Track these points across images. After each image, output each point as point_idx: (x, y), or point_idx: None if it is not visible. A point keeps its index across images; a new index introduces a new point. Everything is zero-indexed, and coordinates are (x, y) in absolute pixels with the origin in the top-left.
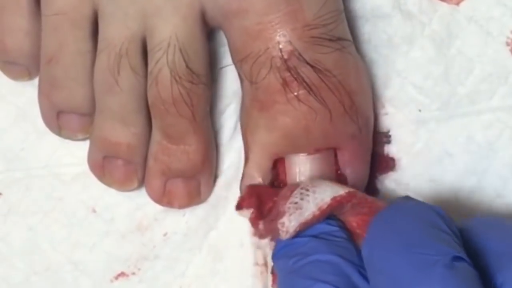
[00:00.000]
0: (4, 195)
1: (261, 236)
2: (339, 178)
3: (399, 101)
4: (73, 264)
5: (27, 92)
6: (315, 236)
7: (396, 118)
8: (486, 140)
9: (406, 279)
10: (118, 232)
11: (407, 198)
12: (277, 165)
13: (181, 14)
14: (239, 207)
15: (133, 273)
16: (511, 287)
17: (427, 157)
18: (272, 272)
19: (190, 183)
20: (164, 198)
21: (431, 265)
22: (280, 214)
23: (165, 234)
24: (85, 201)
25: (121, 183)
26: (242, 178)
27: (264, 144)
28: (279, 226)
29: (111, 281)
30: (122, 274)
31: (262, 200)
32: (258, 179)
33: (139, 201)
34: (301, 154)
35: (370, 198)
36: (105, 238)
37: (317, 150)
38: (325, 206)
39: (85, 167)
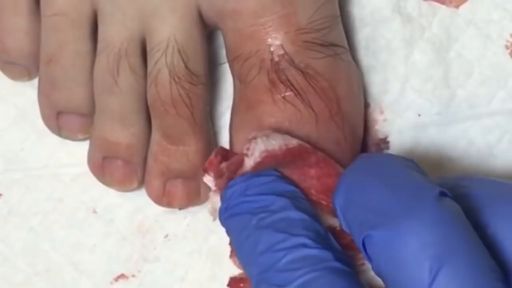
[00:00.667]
0: (4, 196)
1: (220, 182)
2: None
3: (398, 106)
4: (73, 265)
5: (27, 93)
6: (279, 195)
7: (395, 124)
8: (486, 145)
9: (397, 213)
10: (118, 233)
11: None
12: None
13: (178, 14)
14: (205, 170)
15: (133, 275)
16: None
17: (427, 162)
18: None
19: (189, 184)
20: (163, 199)
21: (420, 199)
22: (246, 142)
23: (166, 236)
24: (85, 202)
25: (121, 184)
26: None
27: (247, 141)
28: (244, 150)
29: (111, 283)
30: (122, 276)
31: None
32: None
33: (140, 202)
34: None
35: (331, 160)
36: (105, 239)
37: None
38: (292, 146)
39: (85, 167)
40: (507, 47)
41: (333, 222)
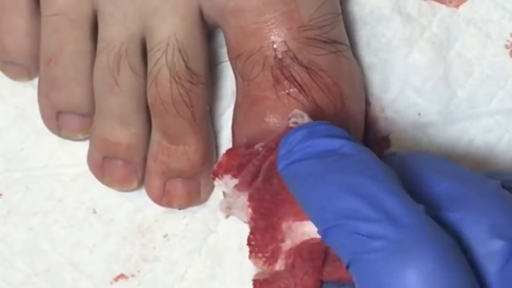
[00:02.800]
0: (4, 196)
1: (244, 174)
2: None
3: (398, 105)
4: (73, 265)
5: (27, 92)
6: (348, 138)
7: (396, 122)
8: (485, 144)
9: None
10: (118, 233)
11: None
12: None
13: (179, 14)
14: (215, 174)
15: (133, 275)
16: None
17: None
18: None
19: (189, 184)
20: (163, 198)
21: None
22: (291, 115)
23: (165, 236)
24: (85, 202)
25: (121, 183)
26: None
27: (250, 137)
28: (291, 123)
29: (111, 283)
30: (121, 276)
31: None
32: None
33: (140, 202)
34: None
35: None
36: (105, 239)
37: None
38: None
39: (85, 167)
40: (507, 47)
41: None
